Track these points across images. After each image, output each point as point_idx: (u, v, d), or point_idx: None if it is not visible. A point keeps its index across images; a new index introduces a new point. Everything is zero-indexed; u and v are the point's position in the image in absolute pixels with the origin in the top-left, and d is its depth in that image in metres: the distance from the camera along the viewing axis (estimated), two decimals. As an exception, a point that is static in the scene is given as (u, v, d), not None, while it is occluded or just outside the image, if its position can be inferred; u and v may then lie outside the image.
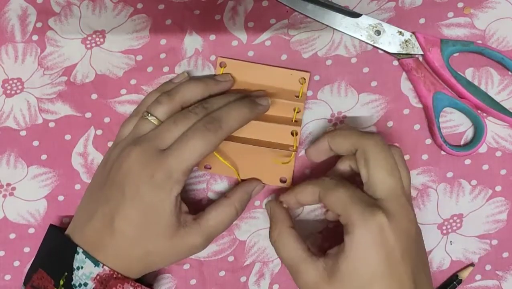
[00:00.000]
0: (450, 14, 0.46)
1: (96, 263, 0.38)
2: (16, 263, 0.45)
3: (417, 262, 0.37)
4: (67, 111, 0.46)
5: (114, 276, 0.38)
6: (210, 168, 0.46)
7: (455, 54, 0.46)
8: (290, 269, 0.39)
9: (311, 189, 0.40)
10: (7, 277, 0.45)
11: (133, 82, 0.46)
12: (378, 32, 0.45)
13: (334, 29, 0.46)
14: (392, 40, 0.45)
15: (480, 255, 0.46)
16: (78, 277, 0.38)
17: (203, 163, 0.45)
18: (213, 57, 0.46)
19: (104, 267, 0.38)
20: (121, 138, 0.42)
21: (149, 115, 0.40)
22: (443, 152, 0.45)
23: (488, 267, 0.46)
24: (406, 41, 0.45)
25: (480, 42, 0.46)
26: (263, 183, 0.45)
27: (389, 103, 0.46)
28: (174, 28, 0.46)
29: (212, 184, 0.46)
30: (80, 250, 0.39)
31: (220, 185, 0.46)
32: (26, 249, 0.45)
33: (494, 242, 0.46)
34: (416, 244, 0.38)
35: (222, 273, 0.46)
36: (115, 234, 0.38)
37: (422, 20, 0.46)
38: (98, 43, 0.46)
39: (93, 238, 0.39)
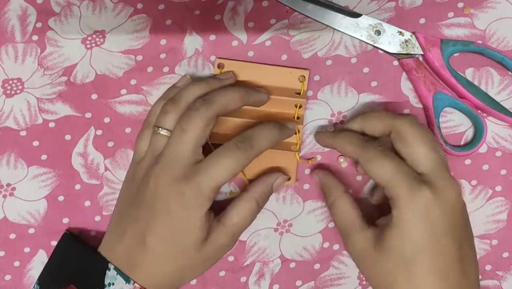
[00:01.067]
0: (450, 14, 0.46)
1: (127, 280, 0.39)
2: (16, 263, 0.45)
3: (463, 235, 0.39)
4: (67, 111, 0.46)
5: None
6: None
7: (455, 54, 0.46)
8: (342, 232, 0.41)
9: (380, 123, 0.41)
10: (7, 277, 0.45)
11: (133, 82, 0.46)
12: (378, 32, 0.45)
13: (334, 29, 0.45)
14: (392, 40, 0.45)
15: (480, 255, 0.46)
16: None
17: None
18: (213, 57, 0.46)
19: (135, 284, 0.39)
20: (139, 155, 0.42)
21: (160, 129, 0.40)
22: None
23: (488, 267, 0.46)
24: (406, 41, 0.45)
25: (480, 42, 0.46)
26: (286, 176, 0.44)
27: (389, 103, 0.46)
28: (174, 28, 0.46)
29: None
30: (111, 267, 0.39)
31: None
32: (26, 249, 0.45)
33: (494, 242, 0.46)
34: (462, 217, 0.39)
35: (222, 273, 0.46)
36: (147, 252, 0.39)
37: (422, 20, 0.46)
38: (98, 43, 0.46)
39: (125, 256, 0.39)
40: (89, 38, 0.46)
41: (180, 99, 0.41)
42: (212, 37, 0.46)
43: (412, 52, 0.45)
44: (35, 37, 0.46)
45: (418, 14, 0.46)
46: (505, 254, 0.46)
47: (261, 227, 0.46)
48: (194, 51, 0.46)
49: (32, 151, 0.46)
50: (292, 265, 0.46)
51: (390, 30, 0.45)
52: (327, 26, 0.46)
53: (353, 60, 0.46)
